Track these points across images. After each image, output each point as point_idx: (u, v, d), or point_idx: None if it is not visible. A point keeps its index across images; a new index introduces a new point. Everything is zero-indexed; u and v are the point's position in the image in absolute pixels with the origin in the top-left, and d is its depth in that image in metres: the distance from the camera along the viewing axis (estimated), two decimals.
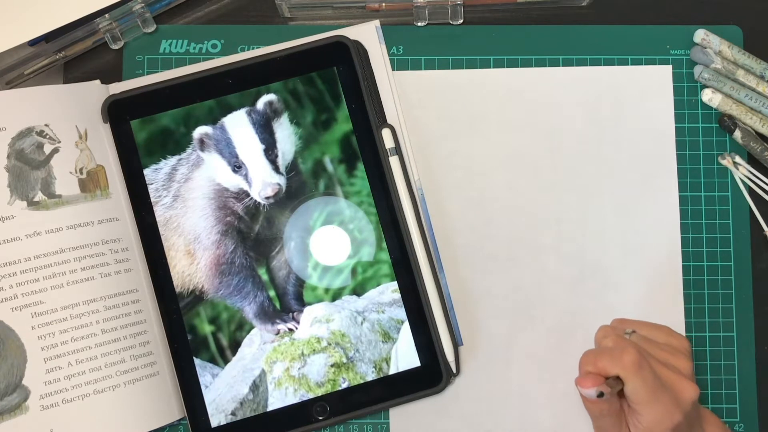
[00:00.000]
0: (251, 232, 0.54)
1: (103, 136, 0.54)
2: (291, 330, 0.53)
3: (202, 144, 0.54)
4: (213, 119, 0.54)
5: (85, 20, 0.54)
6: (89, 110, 0.54)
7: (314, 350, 0.53)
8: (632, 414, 0.49)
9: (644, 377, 0.47)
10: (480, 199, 0.56)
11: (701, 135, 0.57)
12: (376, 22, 0.57)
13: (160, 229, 0.53)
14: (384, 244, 0.53)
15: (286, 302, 0.54)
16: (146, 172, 0.54)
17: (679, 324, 0.55)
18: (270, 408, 0.52)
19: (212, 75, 0.54)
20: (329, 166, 0.54)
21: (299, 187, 0.54)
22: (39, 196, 0.52)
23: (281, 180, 0.54)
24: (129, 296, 0.53)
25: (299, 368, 0.53)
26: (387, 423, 0.54)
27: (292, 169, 0.54)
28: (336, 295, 0.54)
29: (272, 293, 0.54)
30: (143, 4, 0.55)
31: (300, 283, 0.54)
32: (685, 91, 0.57)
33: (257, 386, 0.52)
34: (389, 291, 0.53)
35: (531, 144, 0.56)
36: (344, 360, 0.53)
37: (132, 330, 0.52)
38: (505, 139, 0.56)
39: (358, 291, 0.53)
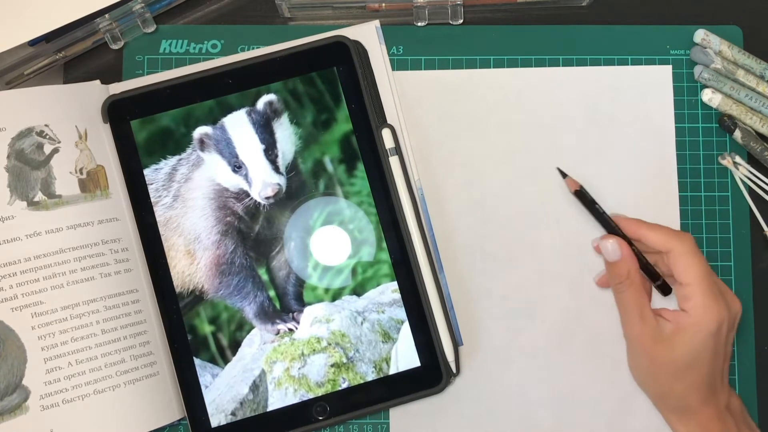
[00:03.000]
0: (251, 232, 0.54)
1: (103, 136, 0.54)
2: (291, 330, 0.53)
3: (202, 144, 0.54)
4: (213, 119, 0.54)
5: (85, 20, 0.54)
6: (89, 110, 0.54)
7: (314, 350, 0.53)
8: (680, 303, 0.48)
9: (702, 259, 0.47)
10: (480, 199, 0.56)
11: (701, 135, 0.57)
12: (376, 22, 0.56)
13: (160, 229, 0.53)
14: (384, 244, 0.53)
15: (286, 302, 0.54)
16: (146, 172, 0.54)
17: None
18: (270, 408, 0.52)
19: (212, 75, 0.54)
20: (329, 166, 0.54)
21: (299, 187, 0.54)
22: (39, 196, 0.52)
23: (281, 180, 0.54)
24: (129, 296, 0.53)
25: (299, 368, 0.53)
26: (387, 423, 0.54)
27: (292, 169, 0.54)
28: (336, 295, 0.54)
29: (272, 293, 0.54)
30: (143, 4, 0.55)
31: (300, 283, 0.54)
32: (685, 91, 0.57)
33: (257, 386, 0.52)
34: (389, 291, 0.53)
35: (531, 144, 0.56)
36: (344, 360, 0.53)
37: (132, 330, 0.52)
38: (505, 139, 0.56)
39: (358, 291, 0.53)
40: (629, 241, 0.51)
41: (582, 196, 0.52)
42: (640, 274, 0.50)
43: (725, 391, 0.50)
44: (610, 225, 0.52)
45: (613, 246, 0.50)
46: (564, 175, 0.53)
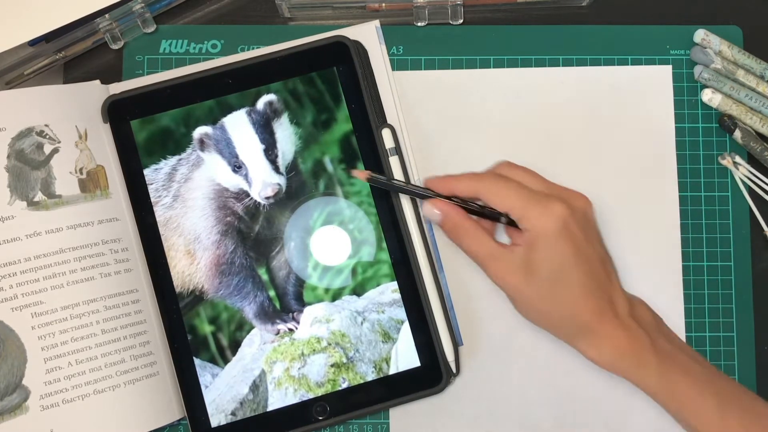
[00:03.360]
0: (251, 232, 0.54)
1: (103, 136, 0.54)
2: (291, 330, 0.53)
3: (202, 144, 0.54)
4: (213, 119, 0.54)
5: (85, 20, 0.54)
6: (89, 110, 0.54)
7: (314, 350, 0.53)
8: (516, 227, 0.47)
9: (510, 181, 0.47)
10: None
11: (701, 135, 0.57)
12: (376, 22, 0.57)
13: (160, 229, 0.53)
14: (384, 244, 0.53)
15: (286, 302, 0.54)
16: (146, 172, 0.54)
17: (679, 324, 0.55)
18: (270, 408, 0.52)
19: (212, 75, 0.54)
20: (329, 166, 0.54)
21: (299, 187, 0.54)
22: (39, 197, 0.52)
23: (281, 180, 0.54)
24: (129, 296, 0.53)
25: (299, 368, 0.53)
26: (387, 423, 0.54)
27: (292, 169, 0.54)
28: (336, 295, 0.54)
29: (272, 293, 0.54)
30: (143, 4, 0.55)
31: (300, 283, 0.54)
32: (685, 91, 0.57)
33: (257, 386, 0.52)
34: (389, 291, 0.53)
35: (531, 144, 0.56)
36: (344, 360, 0.53)
37: (132, 330, 0.52)
38: (505, 139, 0.56)
39: (358, 291, 0.53)
40: (447, 198, 0.50)
41: (376, 180, 0.51)
42: (472, 219, 0.49)
43: (624, 300, 0.48)
44: (420, 193, 0.51)
45: (429, 209, 0.49)
46: (349, 173, 0.53)
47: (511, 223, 0.50)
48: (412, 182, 0.54)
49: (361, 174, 0.51)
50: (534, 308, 0.49)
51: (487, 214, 0.51)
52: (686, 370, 0.46)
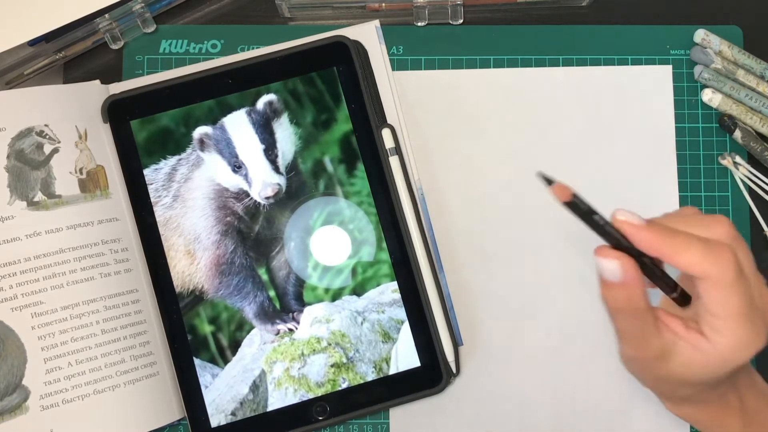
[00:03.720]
0: (251, 232, 0.54)
1: (103, 136, 0.54)
2: (291, 330, 0.53)
3: (202, 144, 0.54)
4: (213, 119, 0.54)
5: (85, 20, 0.54)
6: (89, 110, 0.54)
7: (314, 350, 0.53)
8: (703, 328, 0.38)
9: (744, 286, 0.36)
10: (480, 199, 0.56)
11: (701, 135, 0.57)
12: (376, 22, 0.56)
13: (160, 229, 0.53)
14: (384, 244, 0.53)
15: (286, 302, 0.54)
16: (146, 172, 0.54)
17: None
18: (270, 408, 0.52)
19: (212, 75, 0.54)
20: (329, 166, 0.54)
21: (299, 187, 0.54)
22: (39, 197, 0.52)
23: (281, 180, 0.54)
24: (129, 296, 0.53)
25: (299, 368, 0.53)
26: (387, 423, 0.54)
27: (292, 169, 0.54)
28: (336, 295, 0.54)
29: (272, 293, 0.54)
30: (143, 4, 0.55)
31: (300, 283, 0.54)
32: (685, 91, 0.57)
33: (257, 386, 0.52)
34: (389, 291, 0.53)
35: (531, 144, 0.56)
36: (344, 360, 0.53)
37: (132, 330, 0.52)
38: (505, 139, 0.56)
39: (358, 291, 0.53)
40: (638, 255, 0.39)
41: (575, 207, 0.38)
42: (647, 297, 0.39)
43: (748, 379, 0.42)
44: (614, 238, 0.39)
45: (613, 266, 0.38)
46: (550, 182, 0.38)
47: (680, 300, 0.42)
48: (412, 182, 0.54)
49: (561, 193, 0.38)
50: (651, 381, 0.43)
51: (666, 283, 0.41)
52: None
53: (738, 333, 0.37)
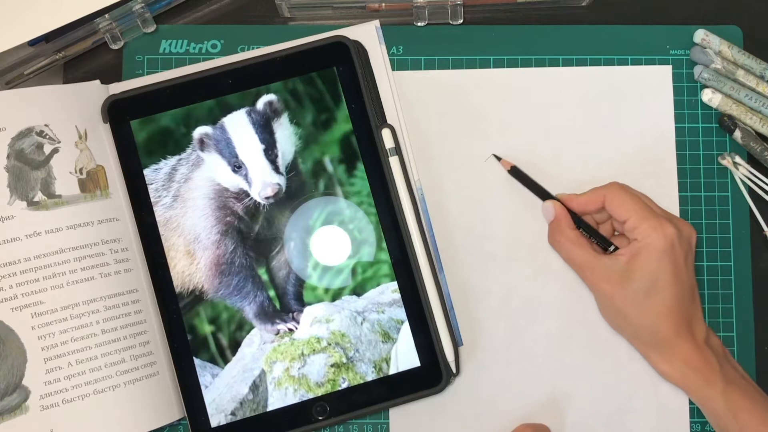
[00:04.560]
0: (251, 232, 0.54)
1: (103, 136, 0.54)
2: (291, 330, 0.53)
3: (202, 144, 0.54)
4: (213, 119, 0.54)
5: (85, 20, 0.54)
6: (89, 110, 0.54)
7: (314, 350, 0.53)
8: (628, 235, 0.51)
9: (634, 195, 0.51)
10: (480, 199, 0.56)
11: (701, 135, 0.57)
12: (376, 22, 0.57)
13: (160, 229, 0.53)
14: (384, 244, 0.53)
15: (286, 302, 0.54)
16: (146, 172, 0.54)
17: None
18: (270, 408, 0.52)
19: (212, 75, 0.54)
20: (329, 166, 0.54)
21: (299, 187, 0.54)
22: (39, 196, 0.52)
23: (281, 180, 0.54)
24: (129, 296, 0.53)
25: (299, 368, 0.53)
26: (387, 423, 0.54)
27: (292, 169, 0.54)
28: (336, 295, 0.54)
29: (272, 293, 0.54)
30: (143, 4, 0.55)
31: (300, 283, 0.54)
32: (685, 91, 0.57)
33: (257, 386, 0.52)
34: (389, 291, 0.53)
35: (531, 144, 0.56)
36: (344, 360, 0.53)
37: (132, 330, 0.52)
38: (505, 139, 0.56)
39: (358, 291, 0.53)
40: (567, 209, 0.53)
41: (517, 172, 0.54)
42: (576, 230, 0.52)
43: (702, 327, 0.51)
44: (546, 193, 0.54)
45: (547, 206, 0.53)
46: (498, 158, 0.55)
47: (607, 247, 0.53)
48: (412, 182, 0.54)
49: (505, 164, 0.55)
50: (621, 313, 0.51)
51: (598, 237, 0.52)
52: (750, 397, 0.49)
53: (647, 219, 0.49)
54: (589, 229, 0.53)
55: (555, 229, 0.53)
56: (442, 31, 0.57)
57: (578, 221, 0.53)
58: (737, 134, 0.55)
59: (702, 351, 0.50)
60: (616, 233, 0.54)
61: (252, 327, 0.53)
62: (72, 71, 0.57)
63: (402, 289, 0.53)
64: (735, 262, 0.56)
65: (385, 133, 0.54)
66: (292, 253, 0.54)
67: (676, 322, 0.50)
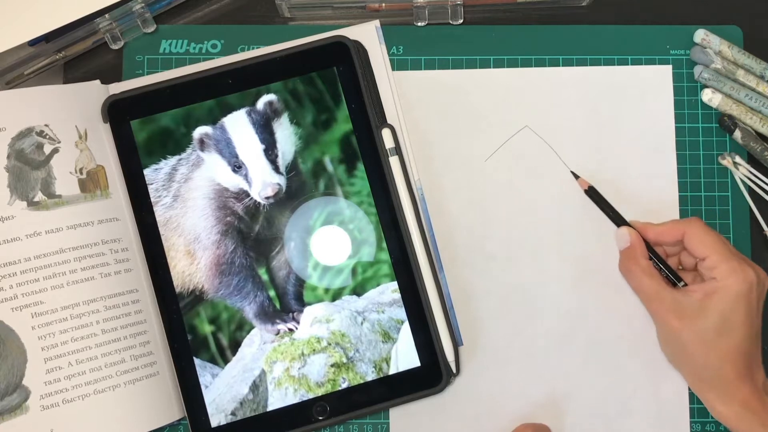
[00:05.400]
0: (251, 232, 0.54)
1: (103, 136, 0.54)
2: (291, 330, 0.53)
3: (202, 144, 0.54)
4: (213, 119, 0.54)
5: (85, 20, 0.54)
6: (89, 110, 0.54)
7: (314, 350, 0.53)
8: (705, 275, 0.50)
9: (715, 232, 0.50)
10: (480, 199, 0.56)
11: (701, 135, 0.57)
12: (376, 22, 0.57)
13: (160, 229, 0.53)
14: (384, 244, 0.53)
15: (286, 302, 0.54)
16: (146, 172, 0.54)
17: None
18: (270, 408, 0.52)
19: (212, 75, 0.54)
20: (329, 166, 0.54)
21: (299, 187, 0.54)
22: (39, 197, 0.52)
23: (281, 180, 0.54)
24: (129, 296, 0.53)
25: (299, 368, 0.53)
26: (387, 423, 0.54)
27: (292, 169, 0.54)
28: (336, 295, 0.54)
29: (272, 293, 0.54)
30: (143, 4, 0.55)
31: (300, 283, 0.54)
32: (685, 91, 0.57)
33: (257, 386, 0.52)
34: (389, 291, 0.53)
35: (531, 144, 0.56)
36: (344, 360, 0.53)
37: (132, 330, 0.52)
38: (505, 139, 0.56)
39: (358, 291, 0.53)
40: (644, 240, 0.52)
41: (594, 193, 0.54)
42: (648, 260, 0.52)
43: (761, 371, 0.50)
44: (621, 219, 0.53)
45: (621, 233, 0.53)
46: (576, 176, 0.55)
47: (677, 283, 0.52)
48: (412, 182, 0.54)
49: (582, 183, 0.55)
50: (685, 350, 0.50)
51: (669, 269, 0.52)
52: None
53: (729, 259, 0.49)
54: (661, 261, 0.52)
55: (629, 257, 0.52)
56: (442, 31, 0.57)
57: (651, 251, 0.52)
58: (737, 134, 0.55)
59: (760, 395, 0.49)
60: (681, 267, 0.53)
61: (252, 327, 0.53)
62: (72, 71, 0.57)
63: (402, 289, 0.53)
64: None
65: (385, 133, 0.54)
66: (293, 253, 0.54)
67: (740, 364, 0.49)
